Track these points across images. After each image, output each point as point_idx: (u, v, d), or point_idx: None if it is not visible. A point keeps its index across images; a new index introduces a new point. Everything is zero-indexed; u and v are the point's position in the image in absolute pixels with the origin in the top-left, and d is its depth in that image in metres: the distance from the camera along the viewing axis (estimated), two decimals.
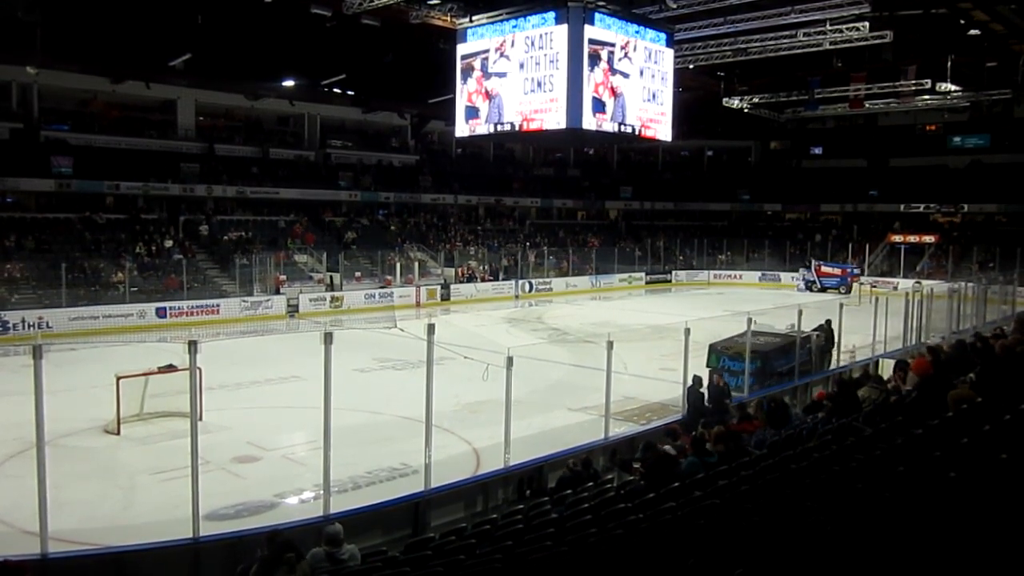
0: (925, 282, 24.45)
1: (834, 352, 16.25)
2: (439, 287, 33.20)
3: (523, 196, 45.94)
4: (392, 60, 31.98)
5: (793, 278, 40.53)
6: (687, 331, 11.90)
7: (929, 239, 41.24)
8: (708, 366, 13.48)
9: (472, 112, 17.72)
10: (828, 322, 16.13)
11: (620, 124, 16.66)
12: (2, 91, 30.41)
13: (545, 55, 16.02)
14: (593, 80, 15.93)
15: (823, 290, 36.35)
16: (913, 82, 33.93)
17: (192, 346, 7.61)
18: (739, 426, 9.86)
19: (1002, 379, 7.77)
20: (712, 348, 14.20)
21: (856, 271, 37.98)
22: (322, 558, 6.30)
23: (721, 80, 37.12)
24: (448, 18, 24.72)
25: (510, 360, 9.49)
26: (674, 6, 22.21)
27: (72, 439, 12.36)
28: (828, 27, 25.48)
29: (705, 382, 11.91)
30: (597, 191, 49.38)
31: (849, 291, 34.21)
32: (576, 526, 6.30)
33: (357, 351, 18.99)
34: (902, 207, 43.31)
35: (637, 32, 16.87)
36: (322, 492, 8.32)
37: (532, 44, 16.21)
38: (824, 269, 38.30)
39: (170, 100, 34.62)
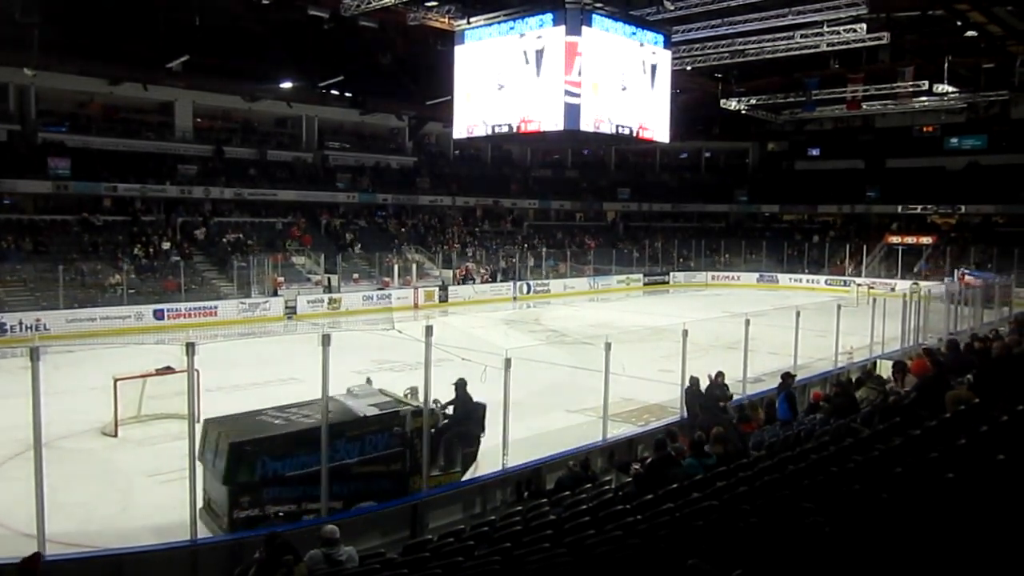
0: (923, 283, 24.40)
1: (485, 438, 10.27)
2: (437, 288, 33.18)
3: (521, 197, 45.97)
4: (390, 62, 31.98)
5: (791, 279, 40.46)
6: (685, 332, 11.90)
7: (927, 240, 41.28)
8: (199, 459, 8.38)
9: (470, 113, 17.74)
10: (462, 384, 10.14)
11: (618, 125, 16.68)
12: None
13: (544, 56, 16.04)
14: (591, 81, 15.95)
15: (965, 303, 29.12)
16: (910, 83, 33.93)
17: (190, 348, 7.60)
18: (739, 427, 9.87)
19: (999, 380, 7.79)
20: (208, 425, 9.03)
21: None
22: (320, 560, 6.29)
23: (719, 82, 37.11)
24: (446, 20, 24.68)
25: (508, 362, 9.50)
26: (672, 8, 22.21)
27: (70, 441, 12.35)
28: (825, 29, 25.51)
29: (704, 383, 11.90)
30: (595, 192, 49.40)
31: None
32: (574, 528, 6.30)
33: (355, 353, 18.88)
34: (899, 208, 43.39)
35: (635, 34, 16.90)
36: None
37: (530, 45, 16.23)
38: (968, 279, 32.00)
39: (168, 102, 34.55)
